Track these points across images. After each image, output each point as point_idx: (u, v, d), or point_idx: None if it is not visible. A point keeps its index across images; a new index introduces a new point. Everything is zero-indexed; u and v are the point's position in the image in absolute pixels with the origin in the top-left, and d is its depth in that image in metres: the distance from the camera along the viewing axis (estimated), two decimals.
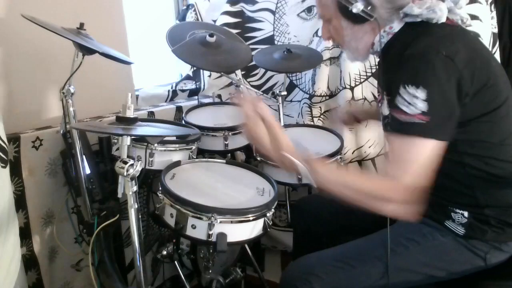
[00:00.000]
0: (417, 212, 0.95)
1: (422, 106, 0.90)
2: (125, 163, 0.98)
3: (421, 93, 0.90)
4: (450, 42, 0.94)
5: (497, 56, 1.79)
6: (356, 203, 0.95)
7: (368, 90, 1.93)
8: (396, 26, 1.04)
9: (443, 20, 0.98)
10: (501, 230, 1.01)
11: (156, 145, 1.27)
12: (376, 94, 1.90)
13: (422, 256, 1.04)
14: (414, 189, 0.92)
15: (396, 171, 0.94)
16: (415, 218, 0.95)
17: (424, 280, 1.05)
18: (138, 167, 1.00)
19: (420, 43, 0.95)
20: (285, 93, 1.92)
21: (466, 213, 1.02)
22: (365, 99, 1.93)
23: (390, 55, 1.03)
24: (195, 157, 1.43)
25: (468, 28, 1.06)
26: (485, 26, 1.73)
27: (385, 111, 1.07)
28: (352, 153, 1.99)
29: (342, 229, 1.36)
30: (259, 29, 2.18)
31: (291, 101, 2.16)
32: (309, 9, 2.05)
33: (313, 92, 2.00)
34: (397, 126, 0.94)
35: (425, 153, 0.92)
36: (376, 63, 1.89)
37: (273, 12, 2.14)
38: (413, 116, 0.91)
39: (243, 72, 2.21)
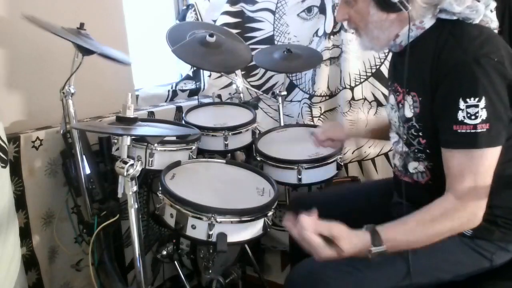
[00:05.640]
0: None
1: (482, 113, 0.89)
2: (125, 163, 0.98)
3: (481, 102, 0.89)
4: (496, 47, 0.92)
5: None
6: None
7: (368, 90, 1.93)
8: (428, 22, 1.00)
9: (478, 21, 0.96)
10: (508, 230, 1.01)
11: (156, 145, 1.27)
12: (378, 94, 1.92)
13: (429, 259, 1.02)
14: (481, 197, 0.92)
15: (463, 186, 0.92)
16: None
17: (430, 283, 1.04)
18: (138, 167, 1.00)
19: (467, 48, 0.92)
20: (285, 93, 1.92)
21: None
22: (365, 99, 1.93)
23: (421, 52, 1.00)
24: (195, 157, 1.43)
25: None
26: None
27: (408, 113, 1.05)
28: (352, 153, 2.00)
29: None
30: (259, 29, 2.18)
31: (291, 101, 2.15)
32: (309, 9, 2.05)
33: (313, 92, 2.00)
34: (463, 140, 0.91)
35: (492, 161, 0.92)
36: (376, 63, 1.90)
37: (273, 12, 2.14)
38: (475, 126, 0.89)
39: (243, 72, 2.21)
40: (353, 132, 1.61)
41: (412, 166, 1.11)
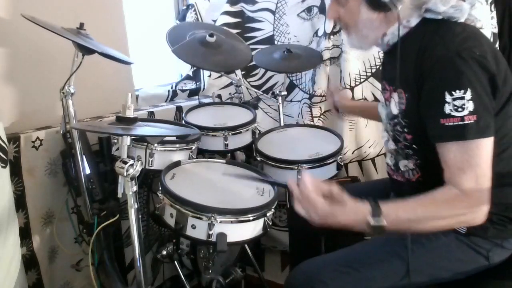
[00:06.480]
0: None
1: (468, 105, 0.90)
2: (125, 163, 0.98)
3: (467, 94, 0.90)
4: (478, 42, 0.94)
5: None
6: (434, 231, 0.96)
7: (368, 90, 1.93)
8: (414, 21, 1.03)
9: (463, 19, 0.98)
10: (503, 226, 1.02)
11: (156, 145, 1.27)
12: (378, 94, 1.92)
13: (427, 257, 1.03)
14: (484, 190, 0.92)
15: (464, 180, 0.92)
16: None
17: (428, 282, 1.04)
18: (138, 167, 1.00)
19: (450, 44, 0.93)
20: (285, 93, 1.92)
21: None
22: (365, 99, 1.93)
23: (406, 51, 1.02)
24: (195, 157, 1.43)
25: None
26: (485, 26, 1.73)
27: (394, 110, 1.07)
28: (352, 153, 2.00)
29: (341, 229, 1.35)
30: (259, 29, 2.18)
31: (291, 101, 2.16)
32: (309, 9, 2.05)
33: (313, 92, 2.00)
34: (453, 133, 0.92)
35: (488, 152, 0.92)
36: (376, 63, 1.90)
37: (273, 12, 2.14)
38: (463, 118, 0.90)
39: (243, 72, 2.21)
40: (353, 105, 1.67)
41: (403, 164, 1.12)
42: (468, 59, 0.90)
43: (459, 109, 0.90)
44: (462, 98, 0.90)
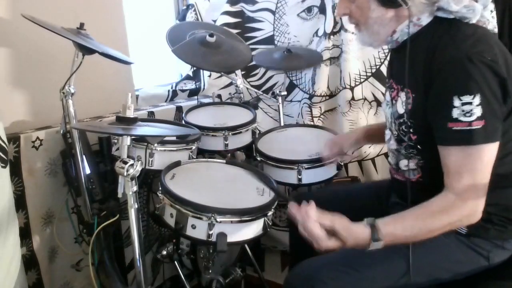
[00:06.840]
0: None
1: (477, 111, 0.89)
2: (125, 163, 0.98)
3: (475, 99, 0.89)
4: (489, 45, 0.93)
5: None
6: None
7: (368, 90, 1.93)
8: (425, 19, 1.02)
9: (475, 20, 0.97)
10: (503, 227, 1.02)
11: (156, 145, 1.27)
12: (378, 94, 1.92)
13: (426, 257, 1.03)
14: (479, 193, 0.93)
15: (461, 184, 0.92)
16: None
17: (428, 282, 1.04)
18: (138, 167, 1.00)
19: (461, 46, 0.93)
20: (285, 93, 1.92)
21: None
22: (365, 99, 1.93)
23: (416, 49, 1.01)
24: (195, 157, 1.43)
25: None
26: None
27: (401, 109, 1.06)
28: (352, 153, 1.99)
29: None
30: (259, 29, 2.18)
31: (291, 101, 2.16)
32: (309, 9, 2.05)
33: (313, 92, 2.01)
34: (459, 137, 0.92)
35: (490, 157, 0.92)
36: (376, 63, 1.90)
37: (273, 12, 2.14)
38: (471, 123, 0.90)
39: (243, 72, 2.20)
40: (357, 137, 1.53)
41: (403, 164, 1.12)
42: (478, 63, 0.89)
43: (467, 114, 0.90)
44: (471, 103, 0.89)
